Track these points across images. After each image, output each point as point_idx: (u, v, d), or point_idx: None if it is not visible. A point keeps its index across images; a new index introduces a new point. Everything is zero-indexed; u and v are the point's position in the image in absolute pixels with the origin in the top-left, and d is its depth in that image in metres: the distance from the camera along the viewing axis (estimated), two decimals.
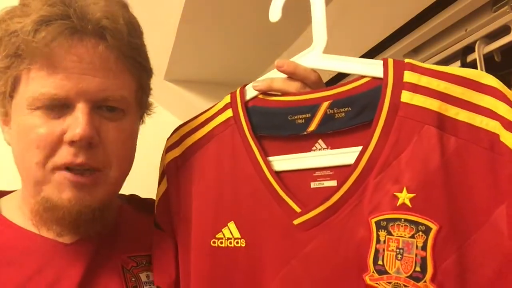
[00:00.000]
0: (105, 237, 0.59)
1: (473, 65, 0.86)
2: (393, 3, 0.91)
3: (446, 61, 0.94)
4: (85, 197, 0.51)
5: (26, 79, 0.51)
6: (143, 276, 0.58)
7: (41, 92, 0.49)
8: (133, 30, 0.54)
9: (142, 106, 0.60)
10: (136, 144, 0.59)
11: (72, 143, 0.50)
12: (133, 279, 0.57)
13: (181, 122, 1.37)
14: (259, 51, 1.14)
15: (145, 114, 0.63)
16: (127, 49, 0.53)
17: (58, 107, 0.50)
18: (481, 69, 0.85)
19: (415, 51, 0.98)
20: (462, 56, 0.89)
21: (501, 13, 0.81)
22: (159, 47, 1.14)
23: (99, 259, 0.56)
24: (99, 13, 0.50)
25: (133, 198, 0.70)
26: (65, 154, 0.50)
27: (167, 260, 0.57)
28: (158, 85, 1.28)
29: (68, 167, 0.51)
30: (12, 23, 0.50)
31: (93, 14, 0.50)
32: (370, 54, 1.03)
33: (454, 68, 0.45)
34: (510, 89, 0.78)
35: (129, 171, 0.58)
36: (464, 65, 0.89)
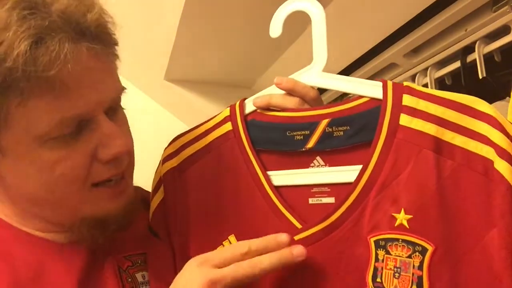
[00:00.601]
0: None
1: (473, 65, 0.86)
2: (393, 3, 0.90)
3: (446, 61, 0.94)
4: (124, 199, 0.52)
5: (26, 111, 0.42)
6: (139, 276, 0.56)
7: (61, 118, 0.43)
8: (108, 16, 0.48)
9: None
10: None
11: (115, 159, 0.47)
12: (129, 279, 0.55)
13: (181, 122, 1.38)
14: (259, 51, 1.13)
15: None
16: (111, 40, 0.48)
17: (71, 129, 0.45)
18: (481, 69, 0.85)
19: (415, 51, 0.98)
20: (462, 56, 0.89)
21: (501, 13, 0.81)
22: (159, 47, 1.14)
23: (95, 259, 0.54)
24: (87, 14, 0.43)
25: (139, 191, 0.66)
26: (106, 170, 0.48)
27: (165, 268, 0.57)
28: (158, 85, 1.28)
29: (105, 182, 0.49)
30: None
31: (79, 16, 0.43)
32: (370, 54, 1.03)
33: (450, 93, 0.47)
34: (511, 89, 0.78)
35: None
36: (464, 65, 0.88)
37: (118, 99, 0.50)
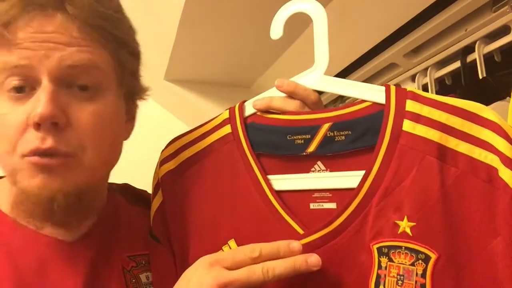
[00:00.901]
0: (105, 235, 0.56)
1: (473, 65, 0.86)
2: (393, 3, 0.89)
3: (446, 61, 0.93)
4: (54, 181, 0.47)
5: None
6: (143, 277, 0.56)
7: (5, 61, 0.45)
8: (104, 1, 0.49)
9: (124, 85, 0.54)
10: (120, 127, 0.54)
11: (36, 126, 0.45)
12: (133, 280, 0.55)
13: (181, 122, 1.38)
14: (259, 51, 1.12)
15: (136, 98, 0.58)
16: (92, 18, 0.47)
17: (25, 89, 0.46)
18: (481, 69, 0.84)
19: (415, 51, 0.97)
20: (462, 56, 0.88)
21: (501, 13, 0.80)
22: (159, 47, 1.13)
23: (100, 259, 0.54)
24: None
25: (127, 188, 0.66)
26: (31, 139, 0.45)
27: (167, 270, 0.56)
28: (158, 85, 1.27)
29: (36, 154, 0.46)
30: None
31: None
32: (370, 54, 1.02)
33: (455, 100, 0.46)
34: (511, 89, 0.78)
35: (114, 157, 0.54)
36: (464, 65, 0.88)
37: (78, 75, 0.47)
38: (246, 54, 1.15)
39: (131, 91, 0.56)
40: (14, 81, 0.46)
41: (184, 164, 0.57)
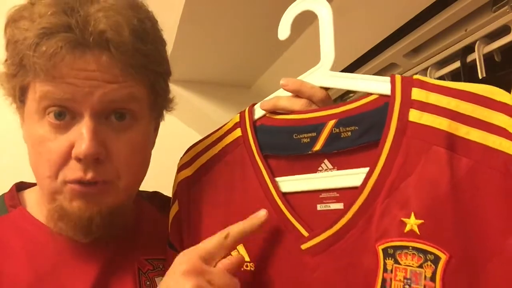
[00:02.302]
0: (123, 237, 0.57)
1: (473, 65, 0.84)
2: (393, 3, 0.88)
3: (446, 61, 0.91)
4: (94, 205, 0.50)
5: (33, 88, 0.48)
6: (158, 281, 0.55)
7: (49, 90, 0.47)
8: (143, 36, 0.49)
9: (156, 108, 0.56)
10: (150, 149, 0.58)
11: (79, 160, 0.48)
12: (147, 282, 0.55)
13: (181, 122, 1.36)
14: (259, 51, 1.10)
15: (164, 112, 0.60)
16: (134, 58, 0.48)
17: (66, 115, 0.48)
18: (481, 69, 0.83)
19: (415, 51, 0.95)
20: (462, 56, 0.86)
21: (501, 13, 0.78)
22: None
23: (115, 260, 0.55)
24: (102, 24, 0.46)
25: (156, 196, 0.68)
26: (74, 170, 0.48)
27: None
28: None
29: (78, 181, 0.49)
30: (17, 29, 0.47)
31: (95, 25, 0.46)
32: (370, 54, 1.00)
33: (464, 84, 0.42)
34: (511, 89, 0.76)
35: (143, 176, 0.56)
36: (464, 65, 0.86)
37: (116, 105, 0.49)
38: (246, 54, 1.12)
39: (161, 111, 0.59)
40: (56, 109, 0.48)
41: (200, 170, 0.56)
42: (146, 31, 0.51)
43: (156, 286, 0.55)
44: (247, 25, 1.00)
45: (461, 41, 0.86)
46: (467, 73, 0.86)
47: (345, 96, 1.13)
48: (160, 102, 0.57)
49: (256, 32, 1.01)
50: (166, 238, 0.58)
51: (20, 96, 0.50)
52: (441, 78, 0.92)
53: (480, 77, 0.83)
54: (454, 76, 0.90)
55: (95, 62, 0.47)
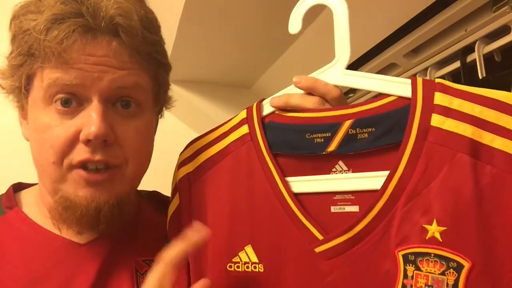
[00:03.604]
0: (121, 238, 0.55)
1: (473, 65, 0.82)
2: (393, 3, 0.86)
3: (446, 61, 0.89)
4: (102, 194, 0.48)
5: (40, 76, 0.47)
6: None
7: (57, 77, 0.46)
8: (149, 26, 0.50)
9: (159, 101, 0.57)
10: (153, 140, 0.57)
11: (87, 141, 0.46)
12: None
13: (181, 122, 1.33)
14: (259, 51, 1.08)
15: (164, 108, 0.60)
16: (142, 45, 0.49)
17: (73, 102, 0.47)
18: (481, 69, 0.81)
19: (415, 51, 0.93)
20: (462, 56, 0.84)
21: (501, 13, 0.76)
22: None
23: (113, 261, 0.53)
24: (112, 10, 0.46)
25: (155, 195, 0.66)
26: (81, 152, 0.47)
27: (179, 279, 0.50)
28: None
29: (84, 166, 0.47)
30: (25, 21, 0.47)
31: (106, 11, 0.46)
32: (370, 54, 0.98)
33: (489, 90, 0.40)
34: (510, 89, 0.74)
35: (147, 167, 0.55)
36: (464, 65, 0.84)
37: (123, 91, 0.49)
38: (246, 54, 1.10)
39: (162, 105, 0.59)
40: (63, 96, 0.47)
41: (202, 166, 0.52)
42: (152, 21, 0.52)
43: None
44: (247, 25, 0.97)
45: (461, 41, 0.84)
46: (467, 73, 0.84)
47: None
48: (162, 95, 0.56)
49: (256, 32, 0.99)
50: (163, 239, 0.55)
51: (25, 86, 0.49)
52: (441, 78, 0.90)
53: (480, 77, 0.81)
54: (454, 76, 0.89)
55: (105, 47, 0.46)
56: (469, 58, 0.83)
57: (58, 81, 0.46)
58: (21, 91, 0.49)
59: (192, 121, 1.28)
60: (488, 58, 0.81)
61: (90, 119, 0.46)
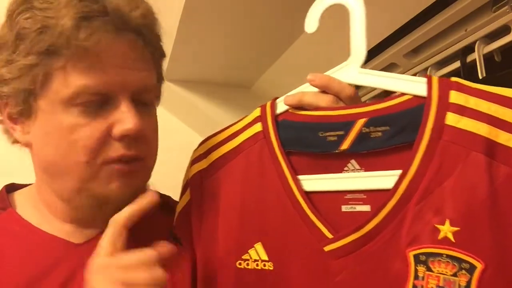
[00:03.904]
0: None
1: (473, 65, 0.82)
2: (393, 3, 0.86)
3: (446, 61, 0.89)
4: (132, 184, 0.49)
5: (61, 76, 0.45)
6: None
7: (86, 85, 0.45)
8: (157, 20, 0.51)
9: (159, 97, 0.58)
10: None
11: (123, 137, 0.47)
12: None
13: (181, 122, 1.32)
14: (259, 51, 1.08)
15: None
16: (158, 43, 0.51)
17: (96, 103, 0.47)
18: (481, 69, 0.81)
19: (415, 51, 0.93)
20: (462, 56, 0.84)
21: (501, 13, 0.76)
22: None
23: None
24: (134, 10, 0.46)
25: (167, 200, 0.65)
26: (117, 148, 0.47)
27: (182, 277, 0.52)
28: None
29: (119, 160, 0.48)
30: (37, 17, 0.45)
31: (129, 9, 0.46)
32: (370, 54, 0.97)
33: (505, 89, 0.39)
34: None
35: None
36: (464, 65, 0.84)
37: (144, 91, 0.49)
38: (246, 54, 1.09)
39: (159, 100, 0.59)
40: (91, 98, 0.46)
41: (215, 164, 0.52)
42: (155, 14, 0.52)
43: None
44: (247, 25, 0.97)
45: (461, 41, 0.84)
46: (467, 73, 0.84)
47: None
48: (160, 91, 0.57)
49: (256, 32, 0.98)
50: (158, 236, 0.53)
51: (39, 89, 0.47)
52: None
53: (480, 77, 0.81)
54: (454, 76, 0.88)
55: (131, 47, 0.47)
56: (469, 58, 0.83)
57: (86, 89, 0.45)
58: (30, 94, 0.47)
59: (192, 121, 1.27)
60: (488, 58, 0.81)
61: (126, 116, 0.46)
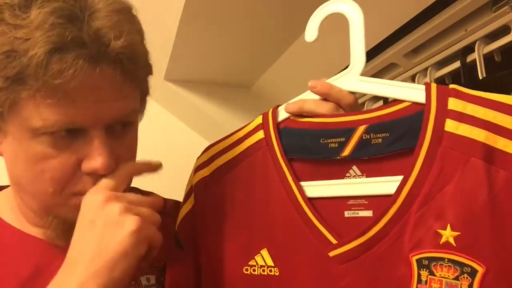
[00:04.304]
0: None
1: (473, 65, 0.82)
2: (392, 3, 0.85)
3: (446, 61, 0.89)
4: None
5: (30, 105, 0.42)
6: (143, 280, 0.54)
7: (56, 120, 0.42)
8: (143, 39, 0.48)
9: (143, 108, 0.54)
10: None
11: (92, 174, 0.44)
12: (132, 282, 0.53)
13: (181, 122, 1.31)
14: (259, 51, 1.07)
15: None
16: (142, 68, 0.47)
17: (66, 134, 0.44)
18: (481, 69, 0.81)
19: (415, 51, 0.92)
20: (462, 56, 0.84)
21: (501, 13, 0.76)
22: (159, 47, 1.06)
23: None
24: (116, 39, 0.42)
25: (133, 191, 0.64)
26: (84, 183, 0.45)
27: (184, 282, 0.53)
28: (158, 85, 1.20)
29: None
30: (5, 37, 0.40)
31: (107, 37, 0.41)
32: (370, 54, 0.97)
33: (502, 96, 0.40)
34: (510, 89, 0.74)
35: None
36: (464, 65, 0.84)
37: (123, 118, 0.47)
38: (246, 54, 1.09)
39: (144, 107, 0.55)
40: (59, 131, 0.43)
41: (218, 171, 0.52)
42: (141, 33, 0.48)
43: (141, 285, 0.53)
44: (247, 25, 0.97)
45: (461, 41, 0.84)
46: (467, 73, 0.84)
47: None
48: (145, 101, 0.54)
49: (256, 32, 0.98)
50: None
51: (7, 111, 0.43)
52: (441, 78, 0.90)
53: (480, 77, 0.81)
54: (454, 76, 0.88)
55: (109, 78, 0.43)
56: (469, 58, 0.83)
57: (56, 123, 0.42)
58: None
59: (192, 121, 1.27)
60: (488, 58, 0.81)
61: (97, 152, 0.44)
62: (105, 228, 0.41)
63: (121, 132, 0.47)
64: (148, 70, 0.50)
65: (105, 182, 0.44)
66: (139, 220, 0.41)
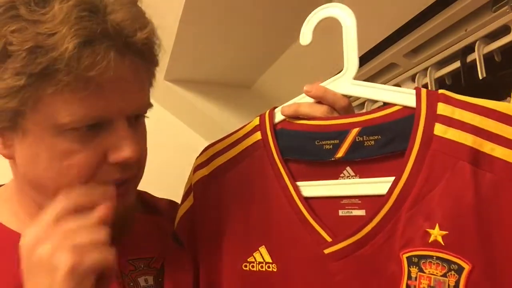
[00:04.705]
0: None
1: (473, 65, 0.82)
2: (392, 3, 0.85)
3: (446, 61, 0.89)
4: (123, 201, 0.47)
5: (56, 102, 0.42)
6: (141, 281, 0.53)
7: (86, 114, 0.42)
8: (157, 36, 0.48)
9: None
10: None
11: (121, 163, 0.45)
12: (131, 283, 0.52)
13: (181, 122, 1.32)
14: (259, 51, 1.08)
15: None
16: (156, 60, 0.49)
17: (91, 127, 0.44)
18: (481, 69, 0.81)
19: (415, 51, 0.93)
20: (462, 56, 0.84)
21: (501, 13, 0.76)
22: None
23: None
24: (140, 30, 0.43)
25: (142, 196, 0.64)
26: (112, 173, 0.45)
27: (184, 278, 0.54)
28: (158, 85, 1.20)
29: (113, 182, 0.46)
30: (26, 33, 0.39)
31: (131, 30, 0.42)
32: (370, 54, 0.98)
33: (487, 101, 0.42)
34: (510, 89, 0.74)
35: None
36: (464, 65, 0.84)
37: (141, 110, 0.48)
38: (246, 54, 1.09)
39: None
40: (85, 125, 0.43)
41: (217, 171, 0.54)
42: (157, 44, 0.50)
43: (140, 286, 0.53)
44: (247, 25, 0.97)
45: (461, 41, 0.84)
46: (467, 73, 0.84)
47: None
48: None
49: (256, 32, 0.98)
50: (150, 238, 0.56)
51: (28, 109, 0.43)
52: (441, 78, 0.90)
53: (480, 77, 0.80)
54: (454, 76, 0.88)
55: (132, 70, 0.44)
56: (469, 58, 0.83)
57: (85, 118, 0.42)
58: (18, 114, 0.43)
59: (192, 121, 1.28)
60: (488, 58, 0.81)
61: (124, 143, 0.44)
62: (39, 277, 0.39)
63: (138, 124, 0.48)
64: (157, 62, 0.51)
65: (42, 221, 0.41)
66: (73, 256, 0.37)
